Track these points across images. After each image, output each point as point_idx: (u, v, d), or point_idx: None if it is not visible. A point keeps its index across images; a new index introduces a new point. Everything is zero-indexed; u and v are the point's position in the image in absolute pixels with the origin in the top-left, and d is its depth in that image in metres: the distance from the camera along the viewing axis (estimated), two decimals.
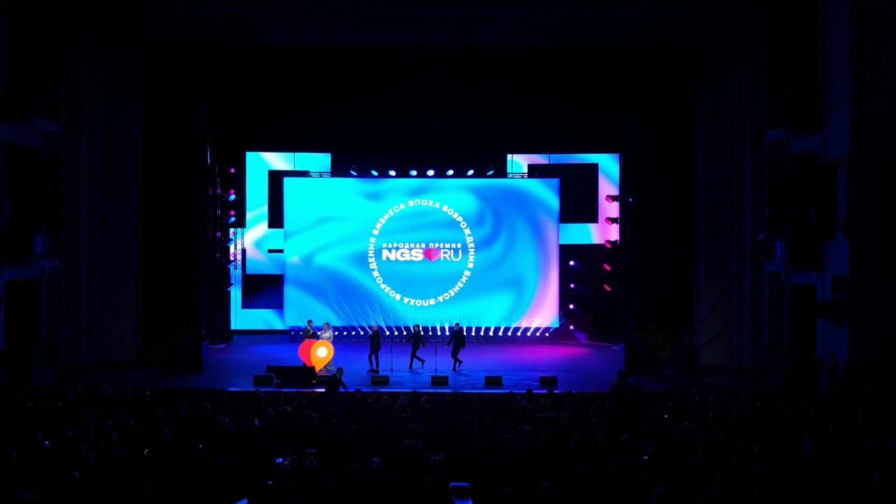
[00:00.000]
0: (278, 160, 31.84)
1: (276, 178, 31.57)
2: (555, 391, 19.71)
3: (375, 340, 24.84)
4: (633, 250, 27.54)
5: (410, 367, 25.09)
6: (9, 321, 22.94)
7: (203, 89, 27.25)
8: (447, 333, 30.61)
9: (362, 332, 30.38)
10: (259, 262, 31.95)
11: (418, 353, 25.25)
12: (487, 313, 30.87)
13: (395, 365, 24.88)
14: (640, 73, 27.26)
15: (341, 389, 19.60)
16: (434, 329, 30.81)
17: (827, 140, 22.58)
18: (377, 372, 23.99)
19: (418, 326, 26.26)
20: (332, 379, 20.15)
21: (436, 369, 24.44)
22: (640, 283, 27.31)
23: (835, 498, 10.43)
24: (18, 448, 11.85)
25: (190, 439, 12.81)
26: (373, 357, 24.63)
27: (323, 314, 29.84)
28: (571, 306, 31.31)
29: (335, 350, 24.82)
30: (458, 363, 25.13)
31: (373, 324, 27.33)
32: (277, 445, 12.97)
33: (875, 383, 18.40)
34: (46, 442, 12.96)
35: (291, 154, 31.77)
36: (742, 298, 26.10)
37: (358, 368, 24.59)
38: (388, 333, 30.69)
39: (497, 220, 31.10)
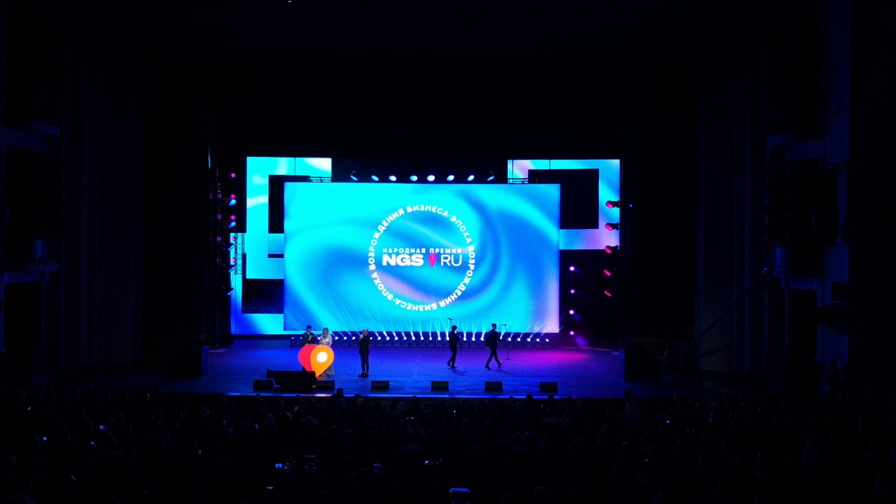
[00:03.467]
0: (279, 165, 31.90)
1: (276, 183, 31.61)
2: (555, 397, 19.68)
3: (364, 345, 25.04)
4: (634, 255, 27.52)
5: (488, 365, 26.38)
6: (8, 325, 22.90)
7: (204, 93, 27.25)
8: (447, 338, 30.64)
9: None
10: (259, 266, 31.97)
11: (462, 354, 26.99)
12: (487, 318, 30.81)
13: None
14: (640, 79, 27.25)
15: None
16: (434, 334, 30.82)
17: (827, 146, 22.59)
18: (367, 375, 24.39)
19: (495, 326, 27.12)
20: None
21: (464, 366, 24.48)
22: (641, 289, 27.28)
23: None
24: (17, 452, 11.84)
25: (189, 444, 12.80)
26: (364, 362, 24.89)
27: (323, 319, 29.81)
28: (571, 312, 31.30)
29: (335, 355, 24.81)
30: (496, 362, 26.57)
31: (366, 328, 26.97)
32: (277, 450, 12.96)
33: (875, 390, 18.38)
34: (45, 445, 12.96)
35: (292, 159, 31.83)
36: (742, 304, 26.07)
37: (358, 372, 24.78)
38: (387, 339, 30.75)
39: (497, 225, 31.08)
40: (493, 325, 27.34)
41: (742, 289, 25.96)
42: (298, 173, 31.74)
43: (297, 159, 31.79)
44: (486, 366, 26.41)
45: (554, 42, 26.91)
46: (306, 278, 30.95)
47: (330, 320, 29.93)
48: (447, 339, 27.69)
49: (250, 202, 31.73)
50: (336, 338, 28.35)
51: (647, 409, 17.53)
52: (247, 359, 28.12)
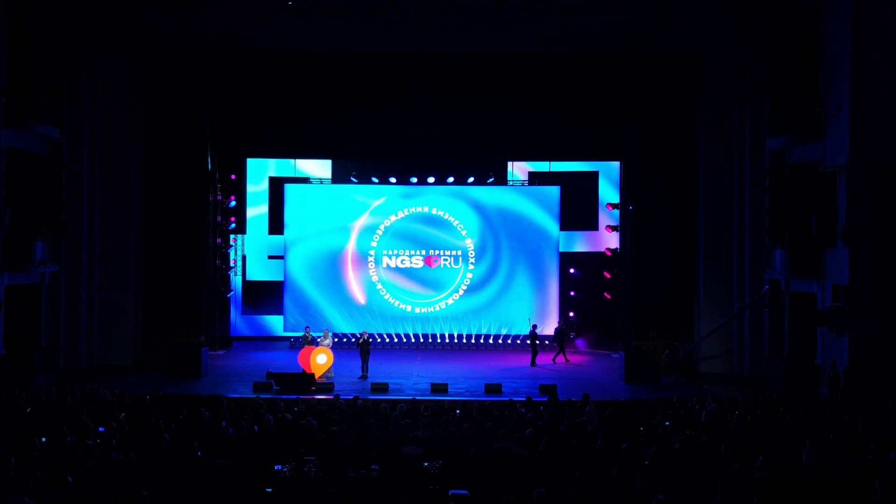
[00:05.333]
0: (279, 168, 31.90)
1: (276, 185, 31.61)
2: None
3: (364, 347, 24.99)
4: (634, 257, 27.52)
5: (558, 360, 27.70)
6: (8, 326, 22.85)
7: (204, 94, 27.28)
8: (447, 340, 30.64)
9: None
10: (259, 268, 31.96)
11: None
12: (487, 320, 30.83)
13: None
14: (641, 81, 27.24)
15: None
16: (434, 336, 30.79)
17: (827, 149, 22.58)
18: (366, 377, 24.32)
19: (562, 323, 28.51)
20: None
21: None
22: (640, 291, 27.27)
23: None
24: (17, 453, 11.83)
25: (189, 445, 12.79)
26: (364, 364, 24.83)
27: (323, 321, 29.79)
28: (571, 314, 31.27)
29: (335, 357, 24.78)
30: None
31: (364, 331, 26.80)
32: (277, 452, 12.95)
33: (875, 392, 18.36)
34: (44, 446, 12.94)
35: (292, 163, 31.82)
36: (742, 316, 26.03)
37: (358, 374, 24.75)
38: (387, 340, 30.74)
39: (497, 227, 31.06)
40: (560, 322, 28.55)
41: (742, 301, 25.92)
42: (298, 175, 31.71)
43: (296, 164, 31.78)
44: (553, 361, 27.62)
45: (554, 42, 26.91)
46: (306, 280, 30.93)
47: (329, 322, 29.90)
48: (528, 340, 28.14)
49: (250, 211, 31.70)
50: (336, 339, 28.31)
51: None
52: (246, 360, 28.10)
